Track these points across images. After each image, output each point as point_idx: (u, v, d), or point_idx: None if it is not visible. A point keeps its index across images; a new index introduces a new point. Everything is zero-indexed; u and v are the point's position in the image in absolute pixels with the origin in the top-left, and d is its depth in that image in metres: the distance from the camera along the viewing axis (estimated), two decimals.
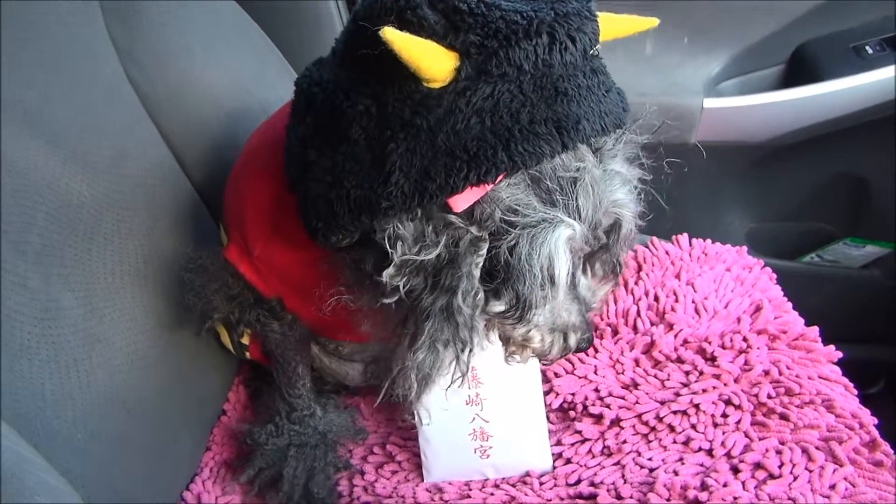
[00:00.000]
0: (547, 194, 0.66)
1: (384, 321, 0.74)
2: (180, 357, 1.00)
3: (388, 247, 0.65)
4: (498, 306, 0.72)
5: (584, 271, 0.83)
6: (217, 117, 1.14)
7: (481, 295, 0.70)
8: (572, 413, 1.02)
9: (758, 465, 0.87)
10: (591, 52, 0.66)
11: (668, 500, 0.84)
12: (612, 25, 0.68)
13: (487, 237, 0.66)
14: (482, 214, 0.65)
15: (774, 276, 1.25)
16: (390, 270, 0.66)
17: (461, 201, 0.64)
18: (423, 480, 0.99)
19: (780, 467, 0.86)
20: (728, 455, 0.91)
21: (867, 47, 1.48)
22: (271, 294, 0.92)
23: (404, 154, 0.62)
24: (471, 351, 0.72)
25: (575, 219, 0.67)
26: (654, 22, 0.71)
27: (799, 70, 1.54)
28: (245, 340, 1.02)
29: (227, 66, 1.18)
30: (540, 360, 0.87)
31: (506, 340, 0.82)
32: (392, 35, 0.57)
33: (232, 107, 1.16)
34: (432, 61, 0.59)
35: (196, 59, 1.13)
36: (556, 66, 0.62)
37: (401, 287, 0.67)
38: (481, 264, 0.68)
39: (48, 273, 0.81)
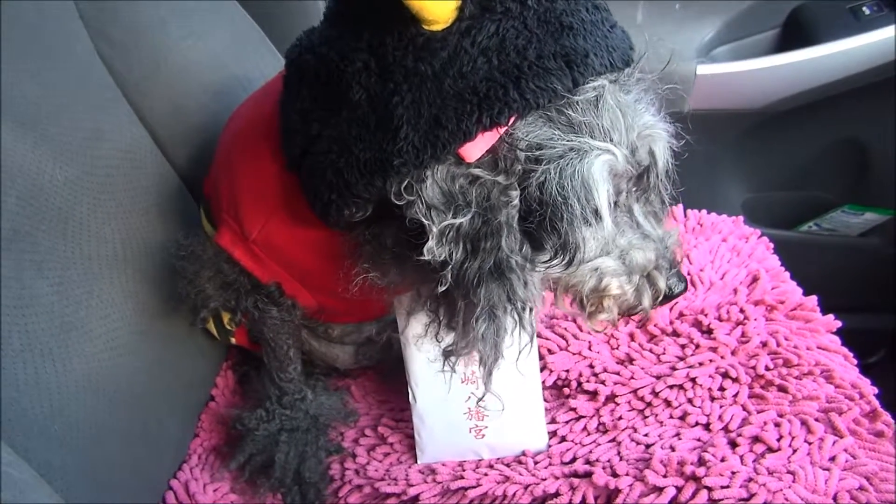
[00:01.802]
0: (568, 125, 0.63)
1: (417, 295, 0.72)
2: (163, 342, 0.98)
3: (422, 219, 0.63)
4: (543, 255, 0.67)
5: (646, 212, 0.76)
6: (195, 94, 1.11)
7: (526, 246, 0.66)
8: (566, 390, 1.00)
9: (756, 439, 0.86)
10: None
11: (664, 476, 0.83)
12: None
13: (516, 183, 0.63)
14: (505, 160, 0.63)
15: (772, 245, 1.23)
16: (430, 244, 0.63)
17: (473, 150, 0.61)
18: (415, 461, 0.98)
19: (778, 440, 0.85)
20: (726, 429, 0.89)
21: (864, 7, 1.45)
22: (269, 279, 0.88)
23: (410, 105, 0.60)
24: (531, 310, 0.68)
25: (607, 142, 0.64)
26: None
27: (794, 34, 1.51)
28: (230, 325, 0.99)
29: (204, 41, 1.15)
30: (632, 317, 0.79)
31: (581, 302, 0.76)
32: None
33: (210, 83, 1.13)
34: (434, 1, 0.56)
35: (171, 35, 1.10)
36: (559, 0, 0.61)
37: (447, 257, 0.63)
38: (517, 214, 0.64)
39: (20, 260, 0.78)
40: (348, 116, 0.63)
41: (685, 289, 0.78)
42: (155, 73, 1.08)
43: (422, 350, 0.87)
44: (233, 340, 1.03)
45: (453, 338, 0.70)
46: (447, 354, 0.71)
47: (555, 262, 0.68)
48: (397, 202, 0.64)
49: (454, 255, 0.63)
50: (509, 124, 0.61)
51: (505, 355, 0.72)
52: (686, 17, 1.51)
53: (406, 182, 0.63)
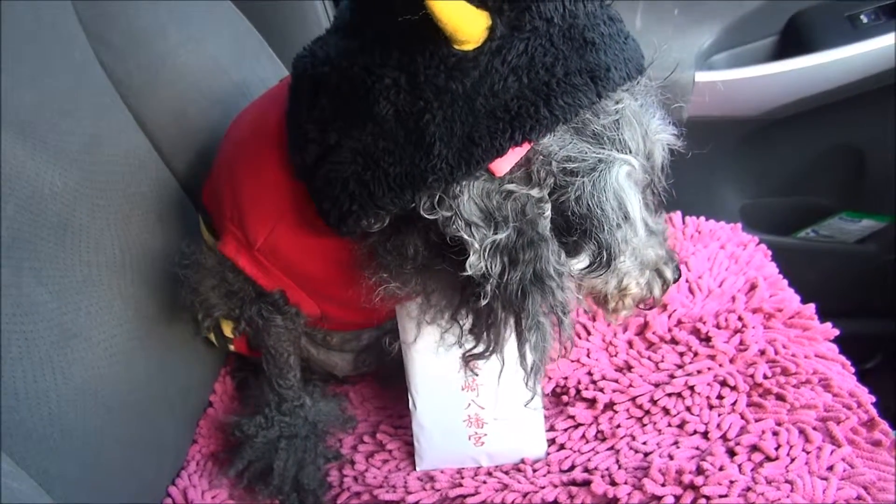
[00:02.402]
0: (594, 137, 0.65)
1: (440, 305, 0.74)
2: (162, 349, 0.98)
3: (464, 236, 0.64)
4: (581, 262, 0.72)
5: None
6: (194, 99, 1.10)
7: (563, 254, 0.69)
8: (565, 398, 1.00)
9: (754, 448, 0.86)
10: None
11: (663, 485, 0.83)
12: None
13: (547, 195, 0.66)
14: (538, 174, 0.64)
15: (769, 252, 1.23)
16: (472, 259, 0.65)
17: (503, 164, 0.63)
18: (414, 469, 0.98)
19: (776, 449, 0.85)
20: (724, 437, 0.90)
21: (862, 16, 1.44)
22: (274, 287, 0.88)
23: (443, 123, 0.61)
24: (568, 313, 0.71)
25: (627, 153, 0.66)
26: None
27: (792, 41, 1.50)
28: (228, 332, 0.99)
29: (203, 47, 1.14)
30: (643, 308, 0.85)
31: (602, 300, 0.82)
32: None
33: (209, 88, 1.12)
34: (468, 22, 0.57)
35: (170, 41, 1.09)
36: (581, 16, 0.62)
37: (489, 272, 0.65)
38: (549, 224, 0.67)
39: (19, 267, 0.78)
40: (374, 130, 0.64)
41: (680, 274, 0.85)
42: (154, 78, 1.07)
43: (436, 356, 0.88)
44: (231, 347, 1.02)
45: (479, 343, 0.72)
46: (470, 359, 0.74)
47: (593, 267, 0.72)
48: (428, 216, 0.65)
49: (493, 267, 0.65)
50: (539, 138, 0.63)
51: (506, 361, 0.74)
52: (684, 24, 1.51)
53: (438, 196, 0.64)
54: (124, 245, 0.94)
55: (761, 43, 1.55)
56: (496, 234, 0.64)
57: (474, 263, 0.65)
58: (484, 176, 0.63)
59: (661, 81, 0.73)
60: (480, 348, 0.72)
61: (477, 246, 0.64)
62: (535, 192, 0.65)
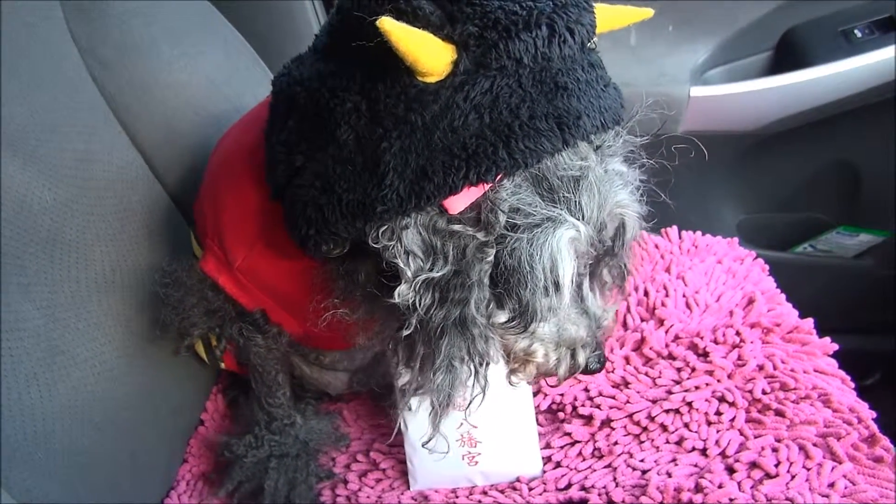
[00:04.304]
0: (549, 192, 0.62)
1: (381, 333, 0.71)
2: (152, 366, 0.97)
3: (400, 264, 0.62)
4: (501, 316, 0.68)
5: (593, 284, 0.77)
6: (187, 116, 1.10)
7: (493, 305, 0.67)
8: (561, 414, 0.99)
9: (753, 465, 0.84)
10: (588, 44, 0.63)
11: (661, 503, 0.81)
12: (607, 16, 0.65)
13: (493, 242, 0.63)
14: (486, 218, 0.62)
15: (767, 267, 1.22)
16: (402, 288, 0.63)
17: (458, 202, 0.61)
18: (408, 488, 0.96)
19: (776, 466, 0.83)
20: (723, 454, 0.88)
21: (856, 31, 1.45)
22: (254, 307, 0.87)
23: (398, 153, 0.59)
24: (488, 364, 0.69)
25: (579, 219, 0.63)
26: (648, 13, 0.69)
27: (787, 56, 1.51)
28: (215, 351, 0.98)
29: (196, 63, 1.14)
30: (546, 380, 0.80)
31: (507, 355, 0.76)
32: (390, 25, 0.53)
33: (202, 104, 1.12)
34: (430, 54, 0.56)
35: (163, 57, 1.09)
36: (555, 59, 0.60)
37: (416, 304, 0.63)
38: (489, 271, 0.64)
39: (6, 282, 0.77)
40: (334, 154, 0.62)
41: (600, 370, 0.80)
42: (147, 94, 1.07)
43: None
44: (222, 365, 1.01)
45: (409, 377, 0.70)
46: (402, 392, 0.72)
47: (512, 324, 0.69)
48: (374, 245, 0.63)
49: (422, 301, 0.63)
50: (496, 181, 0.60)
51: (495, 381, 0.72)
52: (679, 40, 1.51)
53: (386, 227, 0.62)
54: (115, 261, 0.93)
55: (756, 58, 1.55)
56: (432, 269, 0.62)
57: (403, 292, 0.63)
58: (435, 210, 0.61)
59: (644, 139, 0.70)
60: (413, 382, 0.69)
61: (409, 275, 0.62)
62: (480, 236, 0.62)
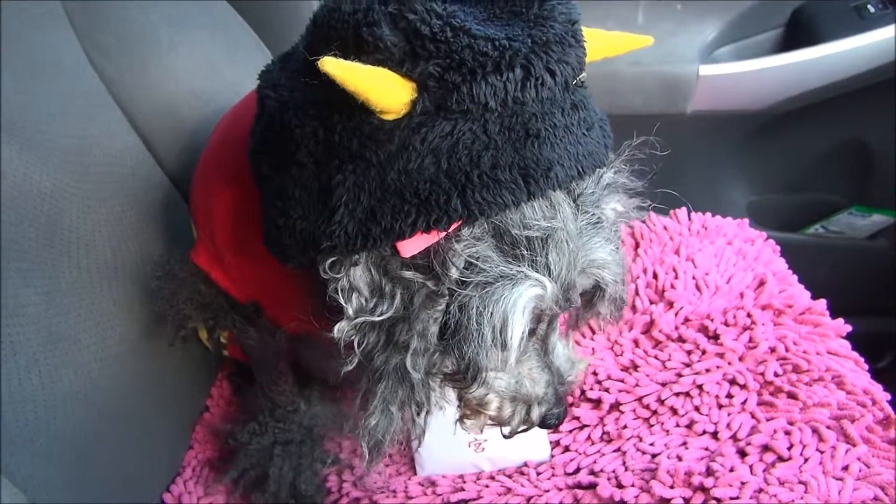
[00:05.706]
0: (511, 248, 0.58)
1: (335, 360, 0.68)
2: (156, 352, 0.96)
3: (341, 300, 0.59)
4: (446, 367, 0.65)
5: (565, 337, 0.75)
6: (187, 100, 1.09)
7: (437, 354, 0.63)
8: (569, 398, 0.97)
9: (766, 448, 0.83)
10: (575, 81, 0.59)
11: (671, 487, 0.80)
12: (602, 44, 0.61)
13: (445, 292, 0.59)
14: (438, 268, 0.58)
15: (778, 248, 1.20)
16: (342, 325, 0.60)
17: (409, 247, 0.57)
18: (415, 474, 0.95)
19: (789, 449, 0.82)
20: (734, 437, 0.87)
21: (869, 6, 1.42)
22: (246, 300, 0.86)
23: (352, 189, 0.56)
24: (428, 412, 0.66)
25: (544, 276, 0.59)
26: (648, 41, 0.65)
27: (798, 33, 1.48)
28: (223, 338, 0.97)
29: (197, 46, 1.13)
30: (500, 429, 0.76)
31: (460, 400, 0.73)
32: (332, 67, 0.50)
33: (203, 88, 1.11)
34: (384, 92, 0.52)
35: (163, 40, 1.08)
36: (530, 103, 0.55)
37: (355, 345, 0.60)
38: (440, 320, 0.61)
39: (6, 268, 0.76)
40: (295, 174, 0.60)
41: (557, 426, 0.77)
42: (147, 79, 1.06)
43: None
44: (225, 352, 1.00)
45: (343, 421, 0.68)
46: (346, 417, 0.69)
47: (456, 377, 0.66)
48: (324, 276, 0.60)
49: (365, 341, 0.61)
50: (450, 230, 0.57)
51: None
52: (688, 18, 1.49)
53: (335, 259, 0.59)
54: (116, 247, 0.92)
55: (766, 35, 1.53)
56: (374, 311, 0.59)
57: (342, 329, 0.60)
58: (387, 251, 0.58)
59: (638, 186, 0.67)
60: (350, 418, 0.67)
61: (350, 313, 0.60)
62: (431, 284, 0.59)
